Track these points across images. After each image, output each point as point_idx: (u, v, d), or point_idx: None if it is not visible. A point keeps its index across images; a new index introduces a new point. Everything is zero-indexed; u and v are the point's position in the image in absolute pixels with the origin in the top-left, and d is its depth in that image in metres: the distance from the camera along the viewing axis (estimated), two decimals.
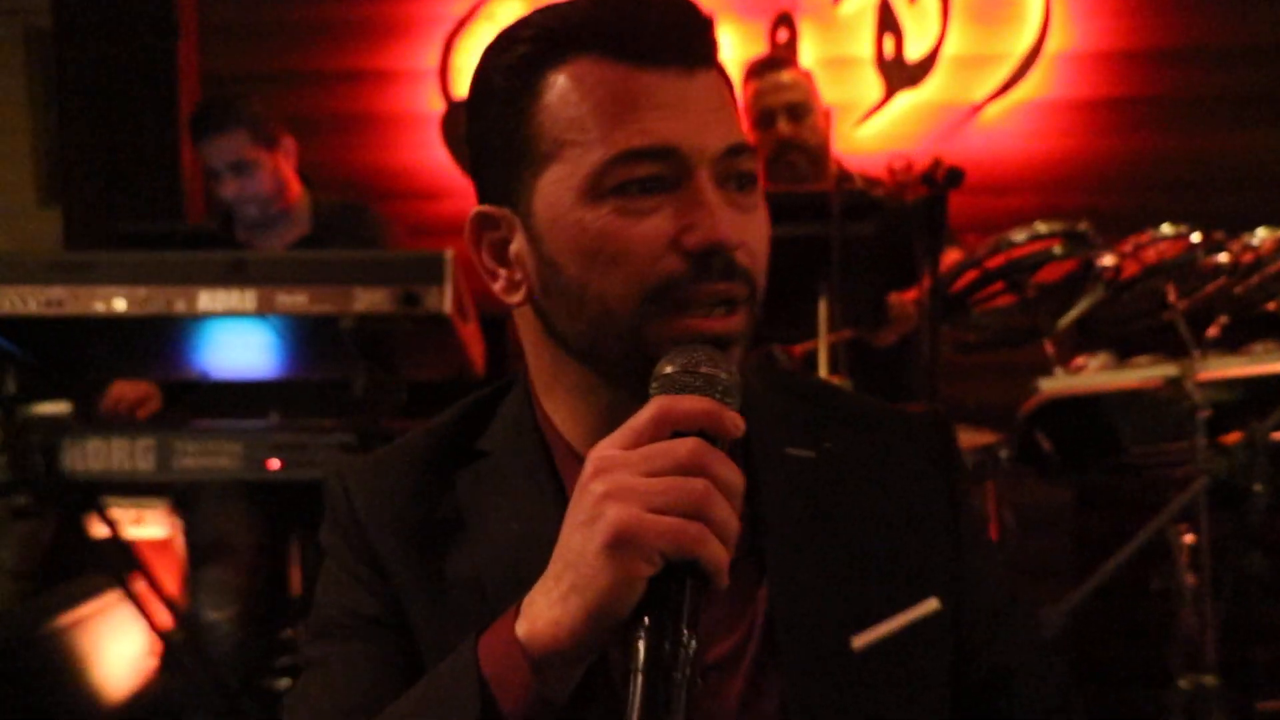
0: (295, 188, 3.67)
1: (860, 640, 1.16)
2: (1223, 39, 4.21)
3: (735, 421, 0.98)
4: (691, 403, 0.99)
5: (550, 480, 1.20)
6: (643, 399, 1.05)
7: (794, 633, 1.15)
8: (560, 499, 1.16)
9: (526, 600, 1.01)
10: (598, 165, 1.09)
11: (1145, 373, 2.96)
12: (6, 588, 4.03)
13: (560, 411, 1.21)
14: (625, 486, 0.95)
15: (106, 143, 4.76)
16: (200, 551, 3.62)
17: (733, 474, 0.96)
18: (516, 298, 1.18)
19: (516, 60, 1.13)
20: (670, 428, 0.98)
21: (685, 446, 0.96)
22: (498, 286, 1.19)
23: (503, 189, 1.16)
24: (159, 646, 3.26)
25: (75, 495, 2.99)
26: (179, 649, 3.28)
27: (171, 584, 3.63)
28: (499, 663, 1.01)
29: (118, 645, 3.88)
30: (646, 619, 0.94)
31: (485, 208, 1.18)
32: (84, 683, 3.85)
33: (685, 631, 0.93)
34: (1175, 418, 2.90)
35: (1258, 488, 2.27)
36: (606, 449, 0.99)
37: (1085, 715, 1.32)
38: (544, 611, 0.99)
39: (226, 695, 3.19)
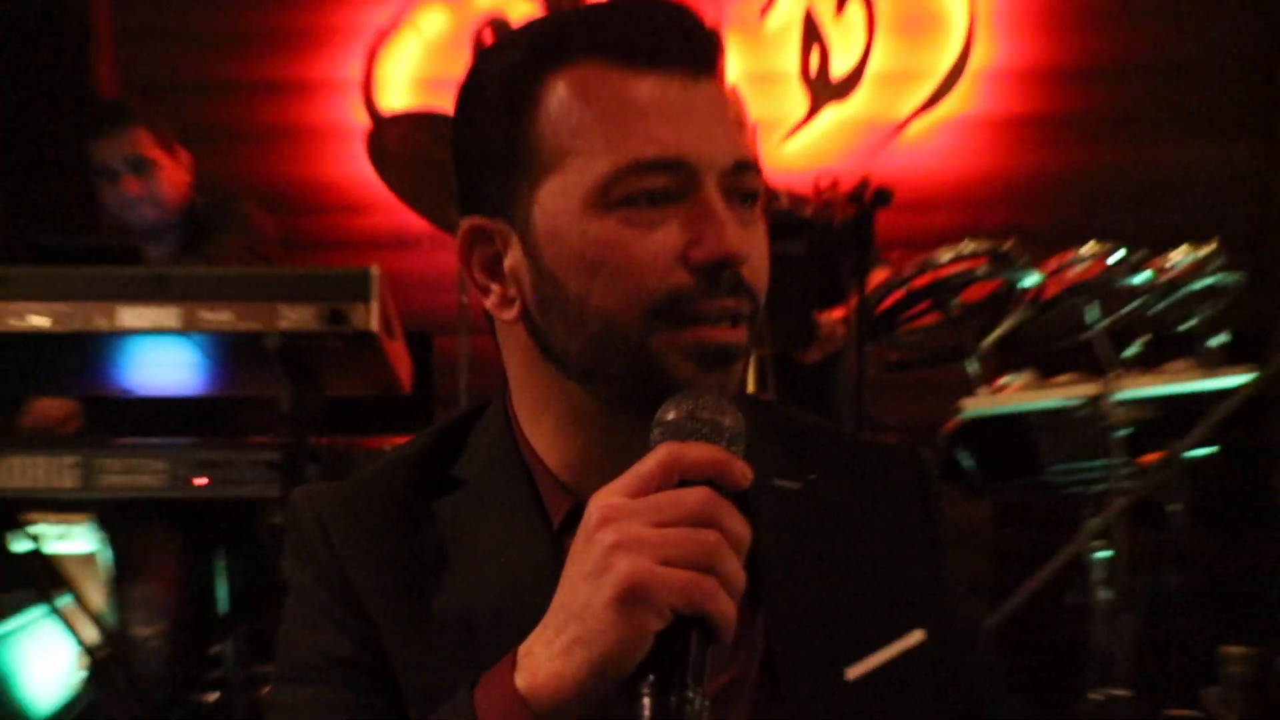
0: (181, 192, 3.61)
1: (854, 671, 1.14)
2: (1141, 56, 4.25)
3: (744, 471, 0.95)
4: (700, 450, 0.96)
5: (536, 512, 1.16)
6: (643, 423, 1.02)
7: (793, 664, 1.13)
8: (547, 532, 1.14)
9: (523, 650, 0.97)
10: (604, 175, 1.05)
11: (1065, 392, 2.98)
12: None
13: (547, 439, 1.17)
14: (635, 537, 0.92)
15: (17, 151, 4.68)
16: (126, 568, 3.59)
17: (741, 526, 0.94)
18: (509, 314, 1.13)
19: (514, 65, 1.10)
20: (678, 476, 0.94)
21: (696, 496, 0.93)
22: (489, 302, 1.15)
23: (497, 201, 1.12)
24: (86, 661, 3.22)
25: None
26: (106, 664, 3.25)
27: (98, 599, 3.60)
28: (500, 717, 0.97)
29: (45, 660, 3.85)
30: (653, 675, 0.91)
31: (478, 220, 1.14)
32: (11, 697, 3.81)
33: (692, 688, 0.91)
34: (1094, 436, 2.93)
35: (1175, 507, 2.29)
36: (611, 496, 0.95)
37: None
38: (545, 664, 0.95)
39: (155, 710, 3.16)
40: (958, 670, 1.24)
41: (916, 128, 4.36)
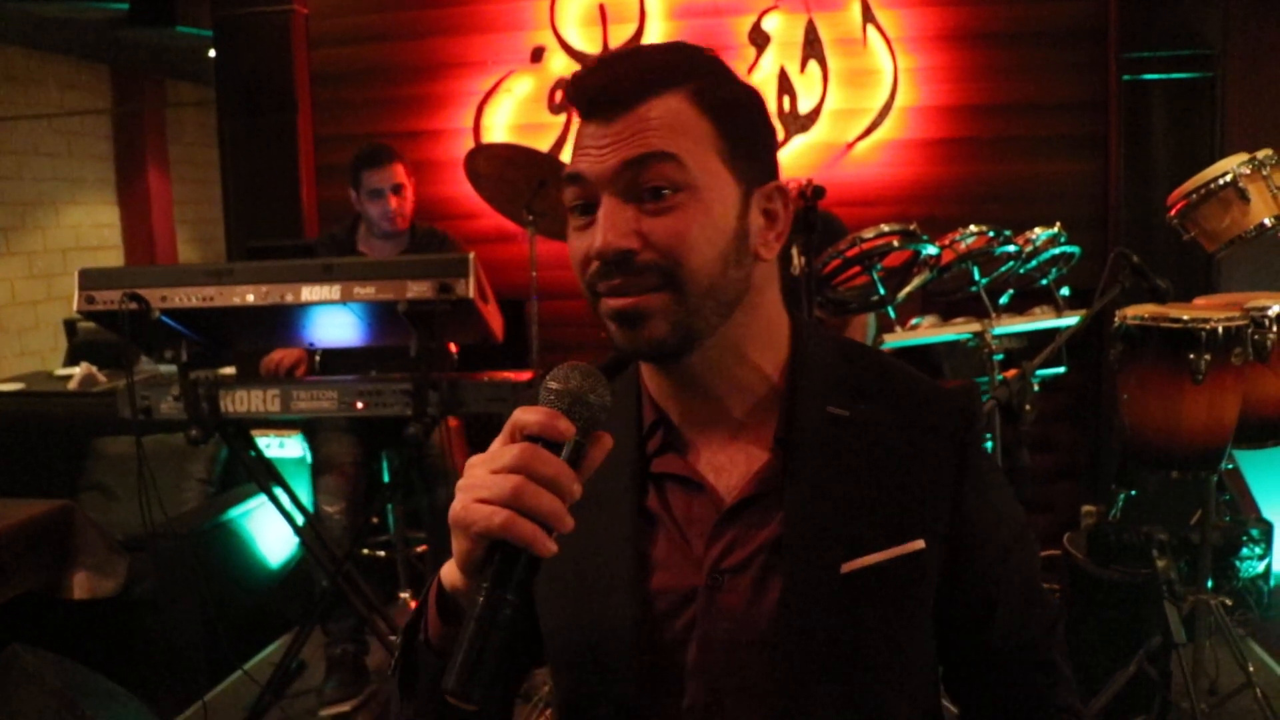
0: (409, 219, 3.68)
1: (849, 566, 1.04)
2: (1014, 98, 4.14)
3: (566, 428, 0.91)
4: (530, 414, 0.91)
5: (635, 420, 1.13)
6: (660, 366, 1.09)
7: (794, 552, 1.04)
8: (636, 434, 1.13)
9: None
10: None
11: (960, 328, 2.92)
12: (197, 491, 4.03)
13: (644, 371, 1.16)
14: (468, 482, 0.90)
15: (245, 188, 4.73)
16: (319, 465, 3.62)
17: (551, 468, 0.89)
18: None
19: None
20: (520, 433, 0.91)
21: (512, 450, 0.89)
22: None
23: None
24: (294, 530, 3.25)
25: (229, 428, 2.97)
26: (307, 532, 3.28)
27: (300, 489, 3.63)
28: (433, 589, 1.00)
29: (270, 530, 3.90)
30: (485, 580, 0.88)
31: None
32: (252, 554, 3.87)
33: (506, 589, 0.87)
34: (979, 359, 2.87)
35: (1027, 408, 2.23)
36: (491, 448, 0.93)
37: (1064, 649, 1.17)
38: (451, 561, 0.95)
39: (336, 562, 3.18)
40: (979, 578, 1.12)
41: (861, 148, 4.25)
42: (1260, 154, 2.70)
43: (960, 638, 1.14)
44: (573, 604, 1.11)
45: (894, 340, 2.88)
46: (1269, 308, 2.61)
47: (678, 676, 1.07)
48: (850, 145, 4.23)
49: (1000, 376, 2.67)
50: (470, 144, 4.40)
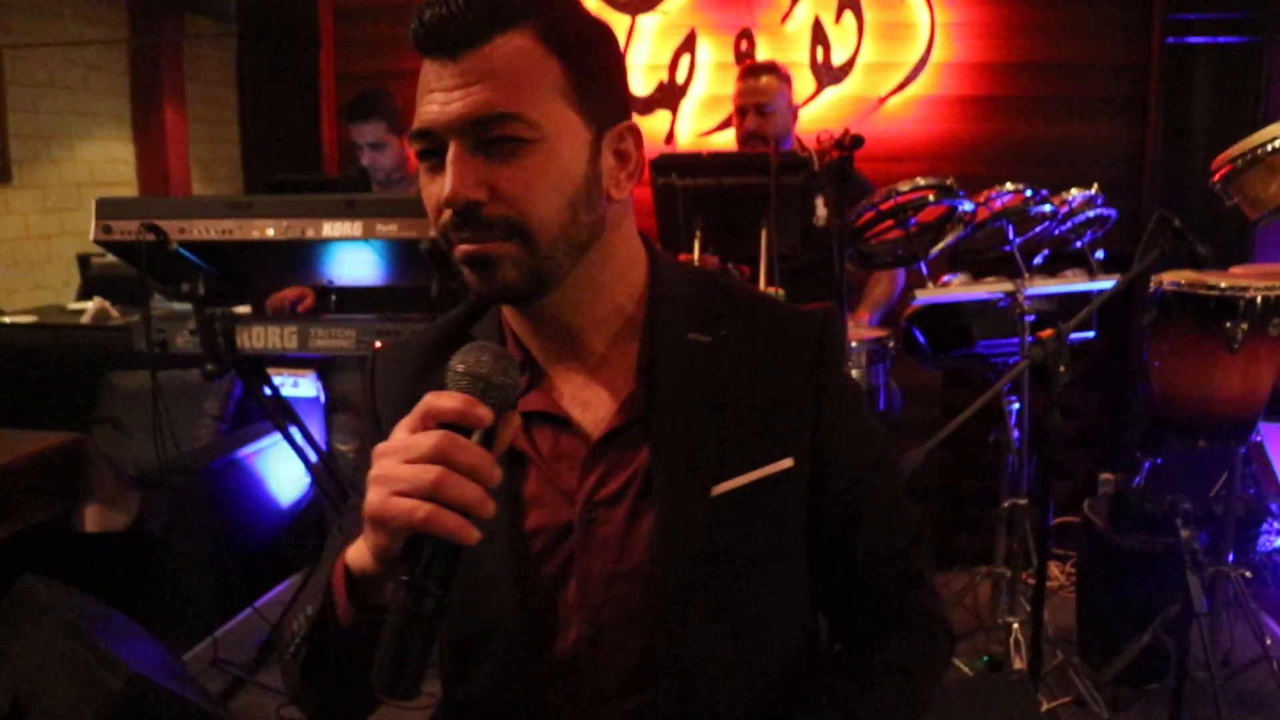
0: (414, 163, 3.60)
1: (719, 488, 1.04)
2: (1053, 56, 4.06)
3: (484, 415, 0.88)
4: (447, 400, 0.88)
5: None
6: (517, 308, 1.08)
7: (665, 478, 1.04)
8: None
9: None
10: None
11: (991, 288, 2.89)
12: (210, 428, 4.02)
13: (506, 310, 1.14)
14: (383, 474, 0.87)
15: (266, 120, 4.67)
16: (333, 404, 3.61)
17: (471, 457, 0.86)
18: None
19: None
20: (435, 420, 0.88)
21: (429, 440, 0.86)
22: None
23: None
24: (307, 469, 3.24)
25: (245, 364, 2.95)
26: (320, 471, 3.26)
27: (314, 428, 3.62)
28: (339, 574, 0.98)
29: (283, 469, 3.90)
30: (404, 572, 0.86)
31: None
32: (265, 493, 3.87)
33: (428, 582, 0.85)
34: (1010, 320, 2.84)
35: (1061, 369, 2.19)
36: (397, 432, 0.90)
37: (929, 559, 1.19)
38: (358, 546, 0.94)
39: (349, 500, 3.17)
40: (844, 494, 1.12)
41: (893, 103, 4.18)
42: None
43: (828, 552, 1.14)
44: None
45: (925, 296, 2.85)
46: None
47: (559, 614, 1.07)
48: (883, 99, 4.15)
49: (1033, 337, 2.64)
50: None
